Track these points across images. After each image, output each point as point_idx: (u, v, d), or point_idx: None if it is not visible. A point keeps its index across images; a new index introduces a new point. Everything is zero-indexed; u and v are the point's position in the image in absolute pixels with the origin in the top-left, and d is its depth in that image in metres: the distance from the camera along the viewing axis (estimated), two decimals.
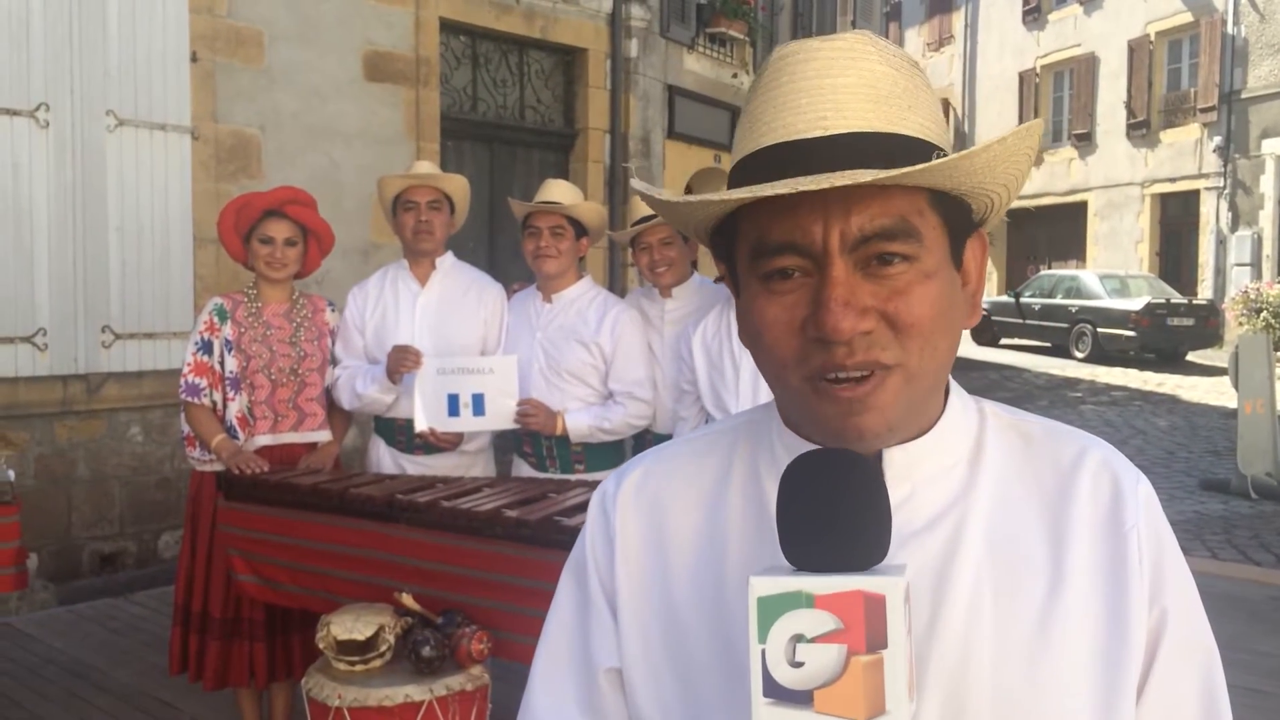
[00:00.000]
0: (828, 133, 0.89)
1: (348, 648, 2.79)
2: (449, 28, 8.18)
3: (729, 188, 0.93)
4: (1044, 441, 1.02)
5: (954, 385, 1.02)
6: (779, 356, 0.93)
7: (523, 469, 3.87)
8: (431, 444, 3.81)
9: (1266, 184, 21.09)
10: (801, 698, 0.78)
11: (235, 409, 3.75)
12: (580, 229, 3.81)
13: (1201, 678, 0.97)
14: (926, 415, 0.98)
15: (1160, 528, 0.98)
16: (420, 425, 3.72)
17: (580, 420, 3.69)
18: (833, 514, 0.81)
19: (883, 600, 0.78)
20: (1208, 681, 0.97)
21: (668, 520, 1.04)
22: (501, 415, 3.70)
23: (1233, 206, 21.70)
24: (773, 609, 0.79)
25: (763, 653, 0.79)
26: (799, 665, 0.78)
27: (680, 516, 1.04)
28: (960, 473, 0.98)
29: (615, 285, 9.18)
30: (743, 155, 0.94)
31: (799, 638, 0.78)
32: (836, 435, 0.92)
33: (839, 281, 0.88)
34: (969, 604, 0.92)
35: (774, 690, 0.78)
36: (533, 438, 3.79)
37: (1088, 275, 20.39)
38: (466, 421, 3.71)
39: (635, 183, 0.96)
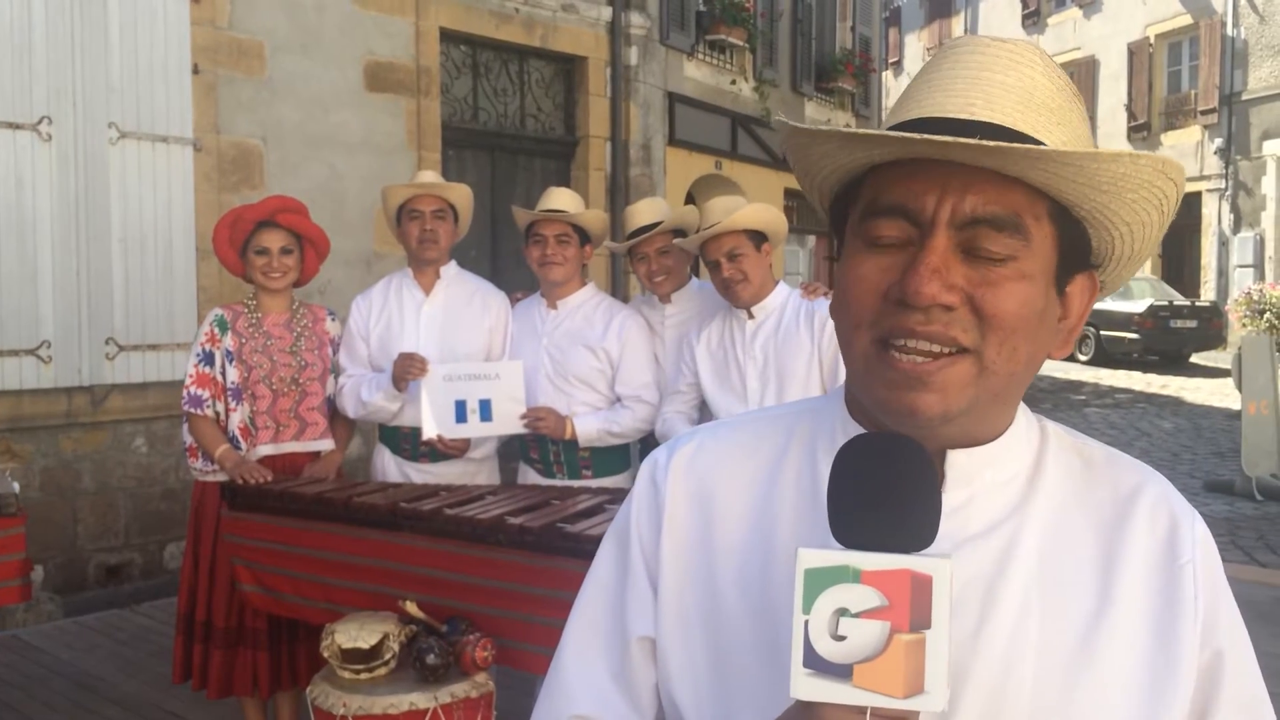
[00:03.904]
0: (972, 117, 0.90)
1: (352, 656, 2.79)
2: (449, 37, 8.20)
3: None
4: (1104, 467, 1.02)
5: (1021, 403, 1.02)
6: (855, 314, 0.93)
7: (529, 475, 3.88)
8: (438, 451, 3.81)
9: (1268, 185, 21.07)
10: (841, 671, 0.79)
11: (237, 419, 3.75)
12: (584, 236, 3.83)
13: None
14: (993, 423, 0.97)
15: (1215, 568, 0.99)
16: (428, 432, 3.72)
17: (589, 424, 3.69)
18: (884, 495, 0.82)
19: (929, 581, 0.78)
20: None
21: (718, 496, 1.04)
22: (508, 420, 3.71)
23: (1234, 208, 21.69)
24: (819, 581, 0.80)
25: (806, 624, 0.80)
26: (841, 639, 0.79)
27: (731, 494, 1.04)
28: (1019, 486, 0.98)
29: (618, 292, 9.18)
30: (889, 126, 0.94)
31: (843, 611, 0.79)
32: (889, 408, 0.91)
33: (935, 250, 0.88)
34: (1016, 617, 0.92)
35: (814, 661, 0.79)
36: (539, 443, 3.80)
37: None
38: (474, 427, 3.71)
39: (778, 120, 0.97)
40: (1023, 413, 1.01)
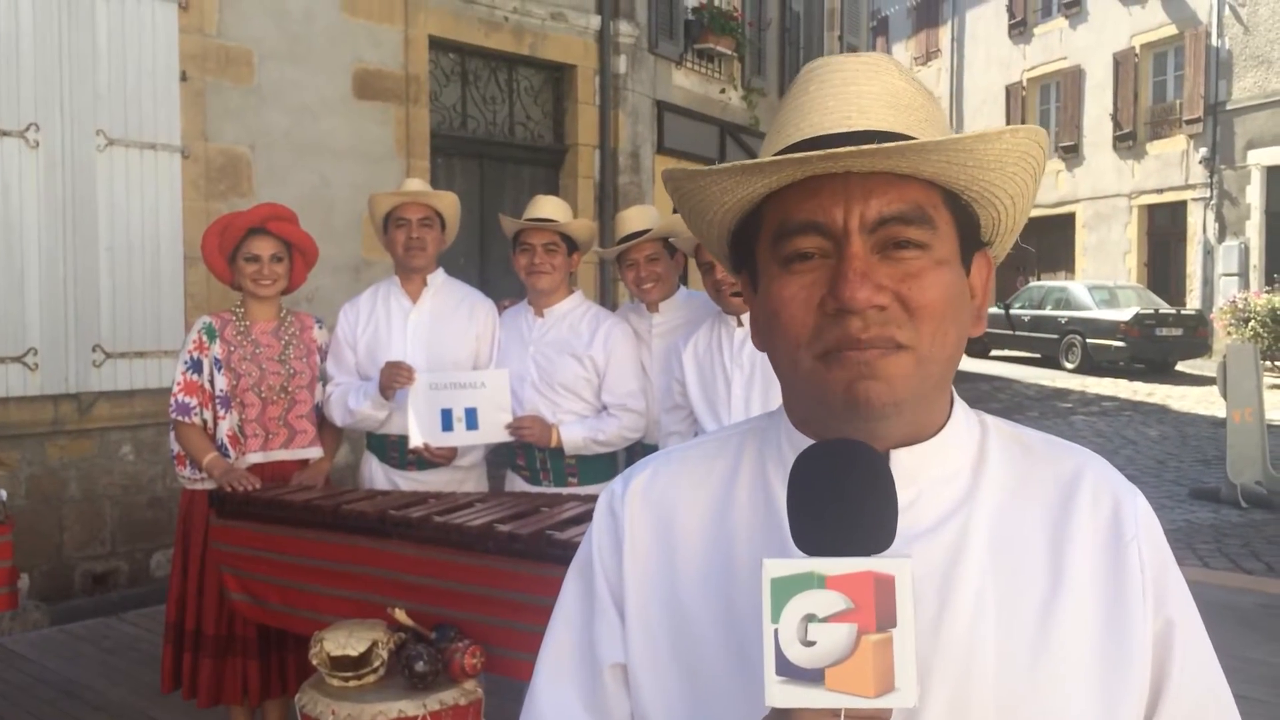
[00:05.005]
0: (851, 128, 0.94)
1: (341, 664, 2.79)
2: (438, 45, 8.21)
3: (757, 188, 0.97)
4: (1044, 453, 1.05)
5: (956, 396, 1.05)
6: (793, 334, 0.95)
7: (516, 483, 3.88)
8: (425, 460, 3.81)
9: (1252, 194, 21.20)
10: (813, 676, 0.80)
11: (226, 427, 3.75)
12: (571, 244, 3.83)
13: (1214, 690, 1.01)
14: (932, 417, 1.00)
15: (1160, 542, 1.01)
16: (414, 441, 3.73)
17: (575, 432, 3.70)
18: (842, 501, 0.84)
19: (892, 580, 0.81)
20: (1221, 695, 1.02)
21: (676, 520, 1.06)
22: (494, 429, 3.71)
23: (1219, 217, 21.81)
24: (785, 590, 0.82)
25: (775, 632, 0.81)
26: (811, 644, 0.81)
27: (688, 517, 1.06)
28: (964, 479, 1.01)
29: (606, 300, 9.19)
30: (774, 153, 0.97)
31: (811, 617, 0.81)
32: (844, 403, 0.93)
33: (857, 255, 0.92)
34: (974, 606, 0.94)
35: (786, 669, 0.81)
36: (526, 451, 3.80)
37: (1077, 286, 20.48)
38: (460, 436, 3.72)
39: (668, 170, 1.00)
40: (960, 407, 1.04)
